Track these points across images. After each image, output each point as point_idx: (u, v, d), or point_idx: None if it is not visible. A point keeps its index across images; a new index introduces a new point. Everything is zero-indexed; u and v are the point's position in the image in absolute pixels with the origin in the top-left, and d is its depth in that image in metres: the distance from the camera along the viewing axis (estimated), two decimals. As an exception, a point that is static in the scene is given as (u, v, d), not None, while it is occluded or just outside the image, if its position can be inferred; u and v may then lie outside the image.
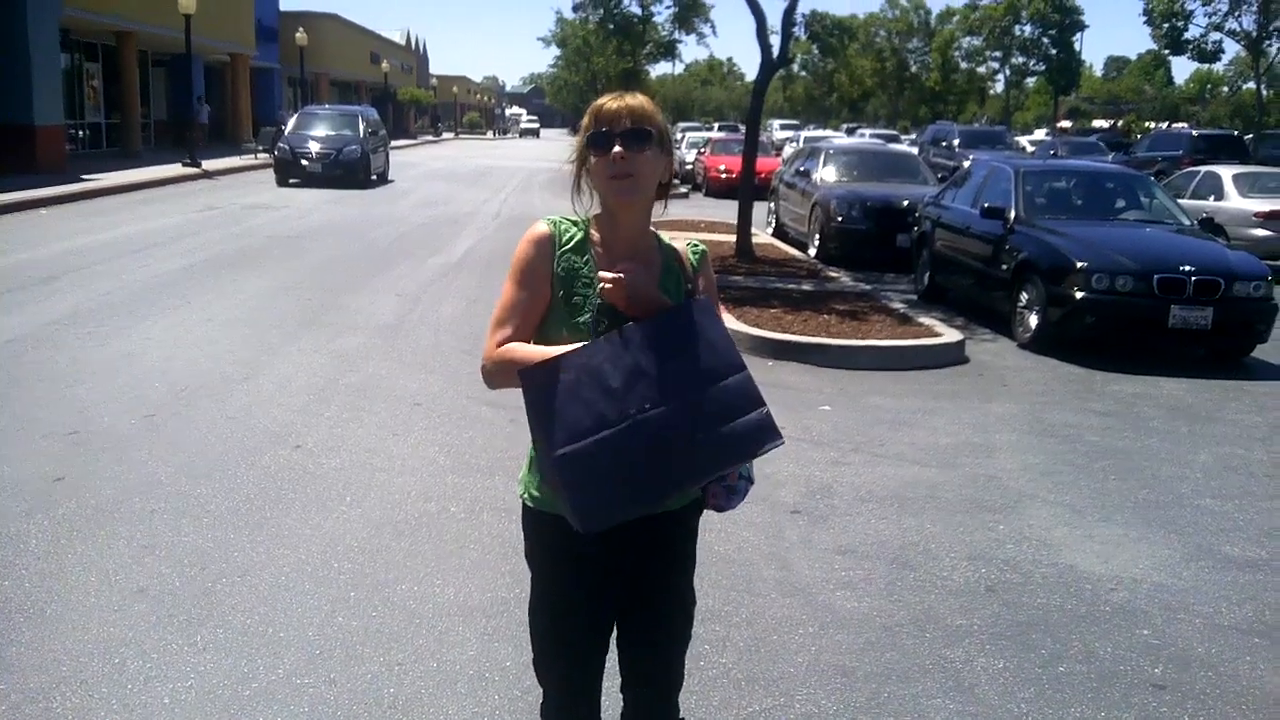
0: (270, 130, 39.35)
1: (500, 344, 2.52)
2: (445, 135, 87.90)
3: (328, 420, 7.17)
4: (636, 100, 2.61)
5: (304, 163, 28.11)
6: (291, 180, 27.70)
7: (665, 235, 2.75)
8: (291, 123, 30.22)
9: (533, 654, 2.75)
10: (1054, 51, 71.83)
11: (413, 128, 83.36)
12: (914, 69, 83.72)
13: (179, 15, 30.24)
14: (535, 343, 2.53)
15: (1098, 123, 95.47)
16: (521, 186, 30.52)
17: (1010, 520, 5.83)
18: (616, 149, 2.53)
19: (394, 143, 60.01)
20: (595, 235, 2.63)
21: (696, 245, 2.78)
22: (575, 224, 2.63)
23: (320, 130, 29.73)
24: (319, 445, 6.63)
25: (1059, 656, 4.30)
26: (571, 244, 2.59)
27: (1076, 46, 73.04)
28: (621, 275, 2.46)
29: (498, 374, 2.52)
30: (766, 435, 2.45)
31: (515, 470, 6.14)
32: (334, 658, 4.05)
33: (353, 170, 28.54)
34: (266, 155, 37.29)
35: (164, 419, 7.05)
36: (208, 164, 30.44)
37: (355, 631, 4.26)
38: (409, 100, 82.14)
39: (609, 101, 2.59)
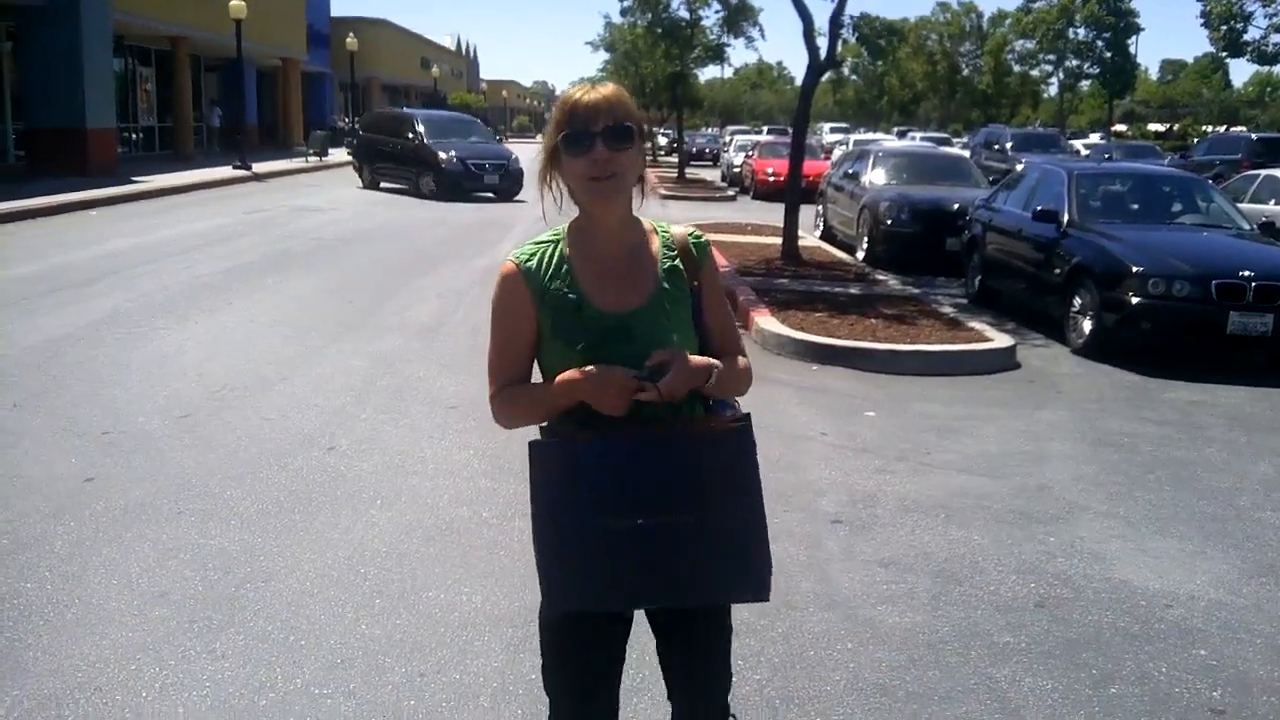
0: (321, 134, 39.70)
1: (500, 388, 2.49)
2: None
3: (363, 422, 7.08)
4: (611, 91, 2.40)
5: (485, 178, 26.56)
6: (460, 195, 25.84)
7: (663, 223, 2.57)
8: (421, 130, 27.47)
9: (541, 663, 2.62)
10: (1108, 55, 70.76)
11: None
12: (966, 72, 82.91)
13: (230, 20, 30.50)
14: (543, 371, 2.46)
15: (1153, 126, 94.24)
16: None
17: (1061, 532, 5.61)
18: (599, 149, 2.33)
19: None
20: (571, 242, 2.46)
21: (698, 235, 2.58)
22: (544, 243, 2.47)
23: (468, 141, 28.16)
24: (352, 448, 6.53)
25: (1111, 677, 4.09)
26: (549, 268, 2.43)
27: (1131, 50, 71.92)
28: (658, 389, 2.28)
29: (505, 417, 2.52)
30: (757, 591, 2.38)
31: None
32: (355, 667, 3.93)
33: (518, 183, 27.01)
34: (316, 158, 37.62)
35: (198, 420, 6.99)
36: (258, 167, 30.70)
37: (378, 640, 4.13)
38: (459, 105, 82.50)
39: (582, 94, 2.37)
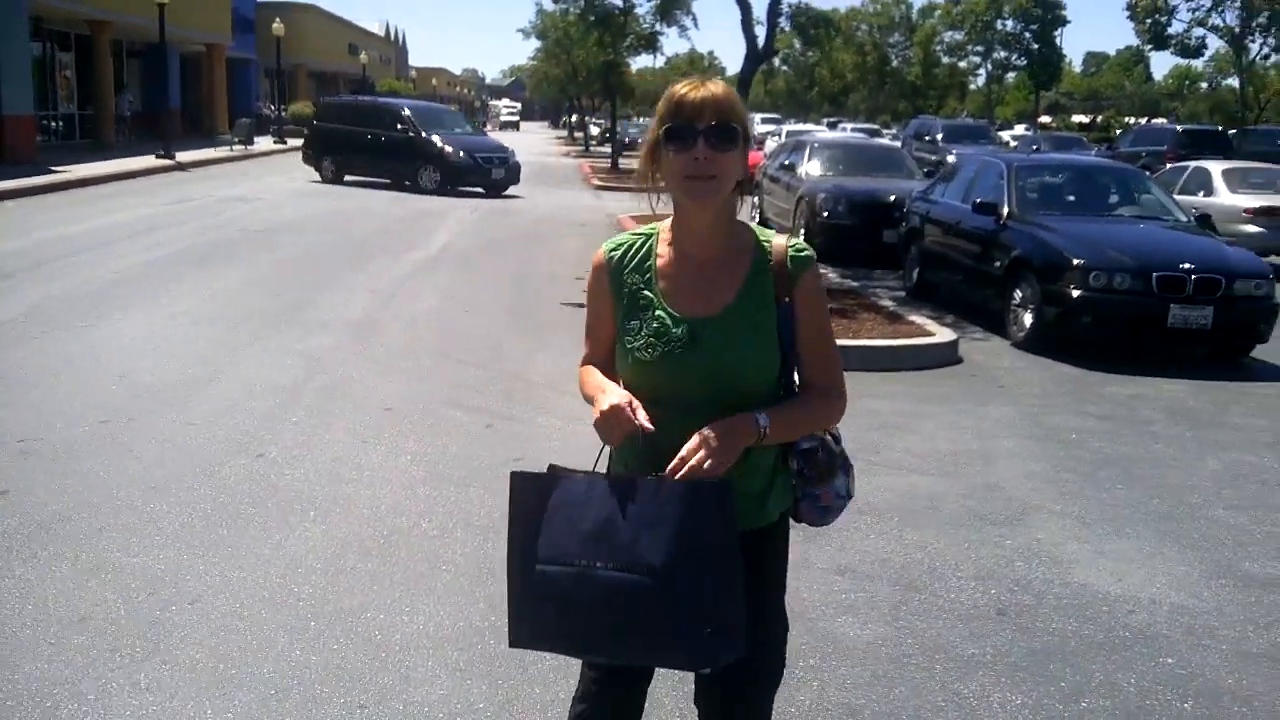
0: (246, 122, 38.86)
1: (584, 361, 2.53)
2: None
3: (293, 427, 6.78)
4: (721, 90, 2.30)
5: (492, 171, 25.60)
6: (461, 188, 25.18)
7: (768, 232, 2.44)
8: (409, 117, 26.45)
9: None
10: (1035, 46, 71.67)
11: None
12: (895, 63, 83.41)
13: (153, 4, 29.71)
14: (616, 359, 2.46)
15: (1077, 118, 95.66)
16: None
17: (1017, 534, 5.50)
18: (700, 148, 2.26)
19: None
20: (666, 239, 2.44)
21: (800, 247, 2.41)
22: (639, 235, 2.49)
23: (463, 133, 27.39)
24: (283, 454, 6.24)
25: (1080, 690, 3.96)
26: (633, 261, 2.45)
27: (1058, 42, 72.91)
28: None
29: (582, 392, 2.50)
30: (696, 658, 2.23)
31: (492, 482, 5.84)
32: (290, 699, 3.68)
33: (516, 176, 26.39)
34: (241, 147, 36.85)
35: (121, 426, 6.66)
36: (182, 156, 29.94)
37: (314, 668, 3.88)
38: (388, 92, 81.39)
39: (690, 90, 2.29)
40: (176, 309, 10.19)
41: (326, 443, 6.49)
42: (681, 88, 2.31)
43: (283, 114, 48.92)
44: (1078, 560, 5.20)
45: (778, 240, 2.41)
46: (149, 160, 28.32)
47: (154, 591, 4.44)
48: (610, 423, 2.26)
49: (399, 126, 26.24)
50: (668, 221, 2.44)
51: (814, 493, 2.47)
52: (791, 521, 2.54)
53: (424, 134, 25.90)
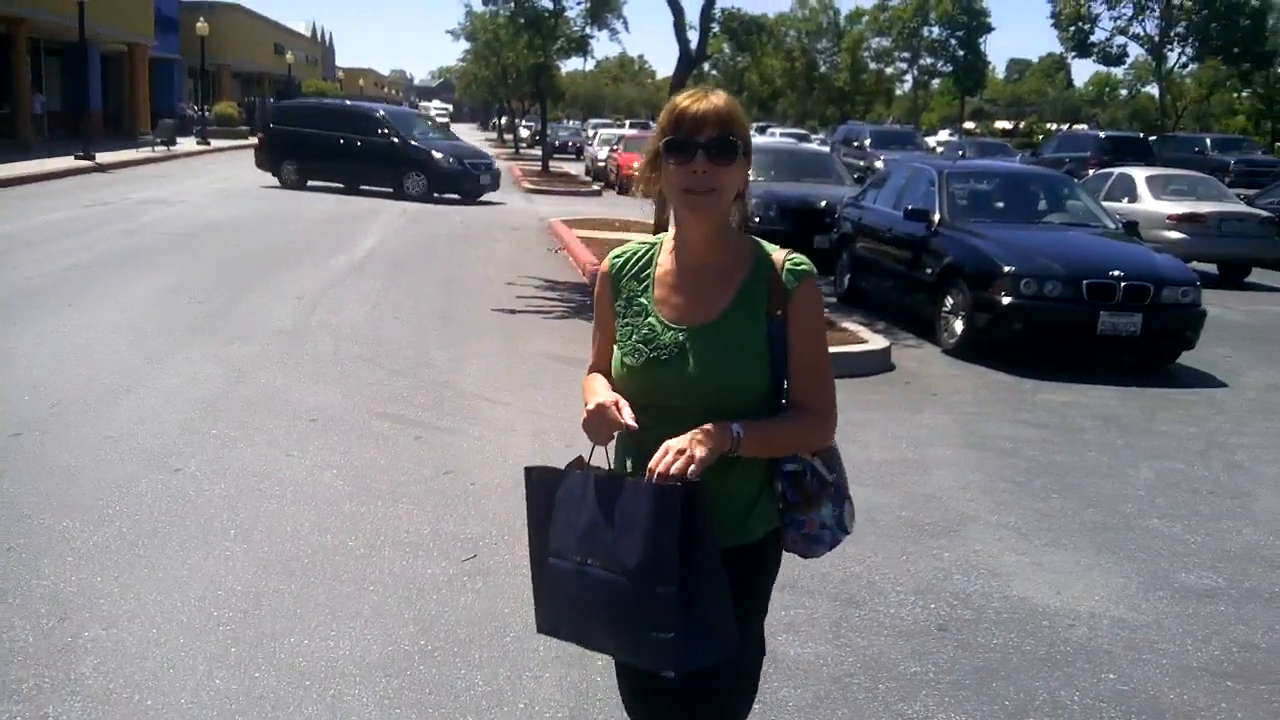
0: (169, 123, 38.09)
1: (590, 370, 2.55)
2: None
3: (214, 439, 6.55)
4: (723, 102, 2.30)
5: (480, 177, 25.11)
6: (449, 195, 24.61)
7: (768, 245, 2.43)
8: (389, 121, 25.93)
9: None
10: (961, 53, 72.61)
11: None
12: (823, 69, 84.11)
13: (72, 2, 28.99)
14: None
15: (1001, 124, 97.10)
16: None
17: (955, 546, 5.45)
18: (699, 161, 2.27)
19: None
20: (668, 248, 2.45)
21: (798, 261, 2.37)
22: (644, 244, 2.50)
23: (446, 139, 26.92)
24: (202, 469, 6.02)
25: (1025, 709, 3.90)
26: (632, 269, 2.47)
27: (983, 48, 73.91)
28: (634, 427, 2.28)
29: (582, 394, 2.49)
30: (662, 660, 2.19)
31: (421, 496, 5.67)
32: (208, 731, 3.50)
33: (498, 182, 26.05)
34: (164, 148, 36.11)
35: (32, 438, 6.38)
36: (102, 157, 29.27)
37: (235, 697, 3.70)
38: (314, 93, 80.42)
39: (691, 102, 2.29)
40: (93, 316, 9.86)
41: (248, 456, 6.27)
42: (683, 99, 2.30)
43: (206, 115, 48.10)
44: (1016, 572, 5.16)
45: (777, 253, 2.39)
46: (68, 161, 27.63)
47: (65, 617, 4.22)
48: (595, 422, 2.28)
49: (380, 131, 25.50)
50: (672, 231, 2.46)
51: (799, 519, 2.42)
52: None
53: (410, 139, 25.33)
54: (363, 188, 25.49)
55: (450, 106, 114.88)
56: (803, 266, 2.36)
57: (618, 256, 2.49)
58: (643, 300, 2.40)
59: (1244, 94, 65.97)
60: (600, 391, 2.36)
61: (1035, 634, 4.51)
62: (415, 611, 4.34)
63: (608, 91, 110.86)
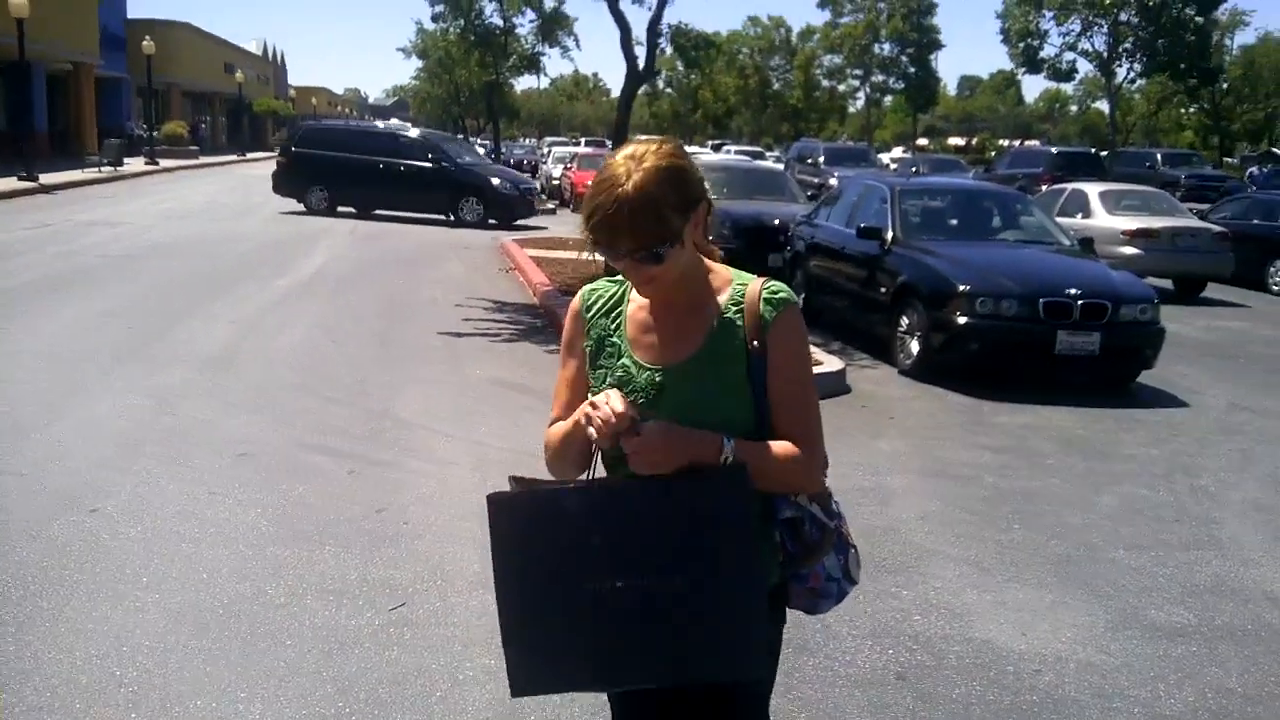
0: (116, 143, 37.41)
1: (553, 420, 2.28)
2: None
3: (134, 476, 6.18)
4: (635, 191, 2.01)
5: (534, 202, 24.88)
6: (510, 222, 23.92)
7: (743, 275, 2.24)
8: (450, 150, 25.56)
9: None
10: (912, 70, 73.03)
11: (270, 139, 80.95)
12: (776, 86, 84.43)
13: (11, 19, 28.38)
14: None
15: (953, 140, 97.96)
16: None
17: (914, 583, 5.18)
18: (628, 264, 2.10)
19: (250, 155, 58.24)
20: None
21: (775, 289, 2.20)
22: (618, 280, 2.30)
23: (490, 163, 26.70)
24: (120, 509, 5.64)
25: (989, 768, 3.63)
26: (604, 306, 2.27)
27: (934, 65, 74.38)
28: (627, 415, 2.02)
29: (547, 453, 2.28)
30: (737, 669, 2.02)
31: (350, 537, 5.34)
32: (95, 815, 3.16)
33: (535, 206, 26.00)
34: (111, 168, 35.47)
35: (-64, 478, 6.00)
36: (46, 178, 28.67)
37: (128, 774, 3.37)
38: (266, 111, 79.76)
39: (595, 212, 2.04)
40: (20, 344, 9.44)
41: (170, 495, 5.90)
42: (588, 204, 2.05)
43: (155, 134, 47.38)
44: (978, 612, 4.90)
45: (753, 282, 2.20)
46: (10, 183, 27.00)
47: (-52, 682, 3.87)
48: (597, 419, 2.02)
49: (429, 156, 24.58)
50: None
51: (801, 573, 2.21)
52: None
53: (466, 164, 24.65)
54: (402, 213, 24.38)
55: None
56: (780, 294, 2.18)
57: (591, 294, 2.30)
58: (615, 340, 2.22)
59: (1191, 109, 66.85)
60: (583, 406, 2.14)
61: (999, 681, 4.24)
62: (335, 669, 4.02)
63: (563, 109, 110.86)
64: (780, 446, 2.12)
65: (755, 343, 2.13)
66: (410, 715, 3.75)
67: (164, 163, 42.04)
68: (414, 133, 27.08)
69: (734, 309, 2.17)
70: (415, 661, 4.12)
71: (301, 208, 24.82)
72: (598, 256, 2.12)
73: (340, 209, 24.84)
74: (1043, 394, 9.28)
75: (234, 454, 6.66)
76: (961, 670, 4.32)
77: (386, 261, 16.84)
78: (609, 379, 2.18)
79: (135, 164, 39.80)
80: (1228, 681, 4.34)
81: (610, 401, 2.01)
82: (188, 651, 4.16)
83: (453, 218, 24.13)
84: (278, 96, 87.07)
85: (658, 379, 2.15)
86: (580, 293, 2.33)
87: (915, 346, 9.93)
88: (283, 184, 25.62)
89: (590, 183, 2.08)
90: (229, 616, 4.47)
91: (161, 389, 8.12)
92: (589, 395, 2.16)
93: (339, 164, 24.64)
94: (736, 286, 2.19)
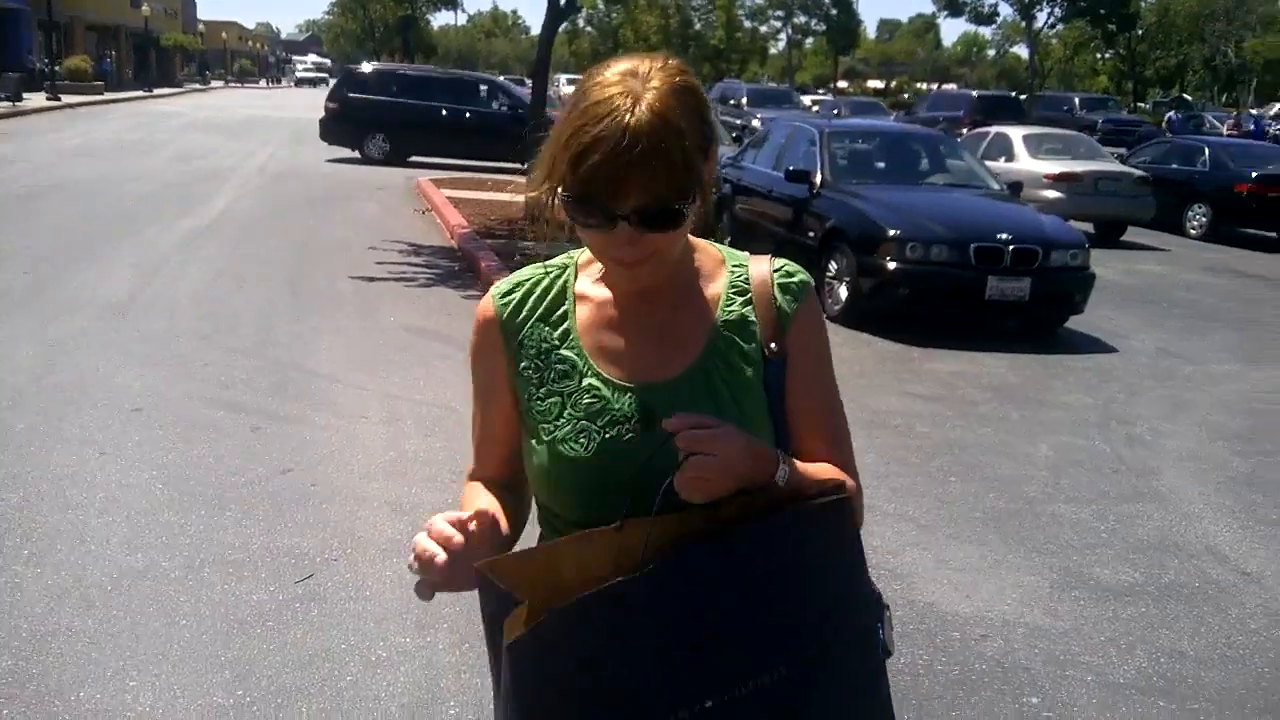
0: (15, 77, 35.85)
1: (469, 475, 1.69)
2: (215, 84, 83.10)
3: (19, 435, 5.72)
4: (656, 115, 1.38)
5: None
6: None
7: (739, 255, 1.66)
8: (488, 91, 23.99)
9: None
10: (834, 12, 72.83)
11: (179, 75, 78.54)
12: (698, 27, 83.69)
13: (-107, -56, 26.91)
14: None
15: (873, 83, 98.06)
16: (293, 138, 28.35)
17: (851, 543, 4.95)
18: (623, 231, 1.43)
19: (157, 91, 56.39)
20: (591, 273, 1.62)
21: (792, 274, 1.63)
22: (541, 272, 1.66)
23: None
24: (2, 472, 5.22)
25: (940, 747, 3.42)
26: (537, 309, 1.62)
27: (855, 8, 74.24)
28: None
29: None
30: None
31: (253, 501, 4.94)
32: (-45, 829, 2.82)
33: None
34: (9, 104, 33.98)
35: None
36: (-64, 114, 27.33)
37: (-5, 779, 3.02)
38: (174, 46, 77.29)
39: (595, 127, 1.38)
40: (-103, 290, 8.84)
41: (56, 456, 5.46)
42: (574, 140, 1.40)
43: (57, 69, 45.52)
44: (919, 573, 4.69)
45: (758, 264, 1.63)
46: (-105, 117, 25.72)
47: None
48: (422, 561, 1.36)
49: (496, 102, 23.19)
50: (579, 251, 1.65)
51: None
52: None
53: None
54: (472, 161, 22.44)
55: (328, 62, 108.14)
56: (798, 278, 1.63)
57: (509, 292, 1.65)
58: (566, 353, 1.58)
59: (1107, 55, 67.49)
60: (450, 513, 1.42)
61: (946, 649, 4.03)
62: (234, 651, 3.68)
63: (481, 46, 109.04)
64: (827, 471, 1.59)
65: (773, 345, 1.58)
66: (317, 703, 3.43)
67: (67, 99, 40.32)
68: (487, 77, 25.49)
69: (739, 300, 1.60)
70: (322, 643, 3.79)
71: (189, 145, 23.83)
72: (561, 224, 1.52)
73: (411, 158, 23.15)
74: (973, 340, 9.13)
75: (129, 409, 6.21)
76: (906, 637, 4.08)
77: (297, 201, 16.21)
78: (569, 409, 1.56)
79: (36, 100, 38.18)
80: (1180, 644, 4.18)
81: (434, 527, 1.38)
82: (70, 634, 3.78)
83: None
84: (186, 31, 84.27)
85: (644, 402, 1.54)
86: (492, 292, 1.67)
87: (844, 292, 9.71)
88: (336, 132, 23.66)
89: (565, 111, 1.46)
90: (117, 592, 4.09)
91: (56, 338, 7.59)
92: (537, 442, 1.56)
93: (400, 110, 22.93)
94: (733, 269, 1.63)
